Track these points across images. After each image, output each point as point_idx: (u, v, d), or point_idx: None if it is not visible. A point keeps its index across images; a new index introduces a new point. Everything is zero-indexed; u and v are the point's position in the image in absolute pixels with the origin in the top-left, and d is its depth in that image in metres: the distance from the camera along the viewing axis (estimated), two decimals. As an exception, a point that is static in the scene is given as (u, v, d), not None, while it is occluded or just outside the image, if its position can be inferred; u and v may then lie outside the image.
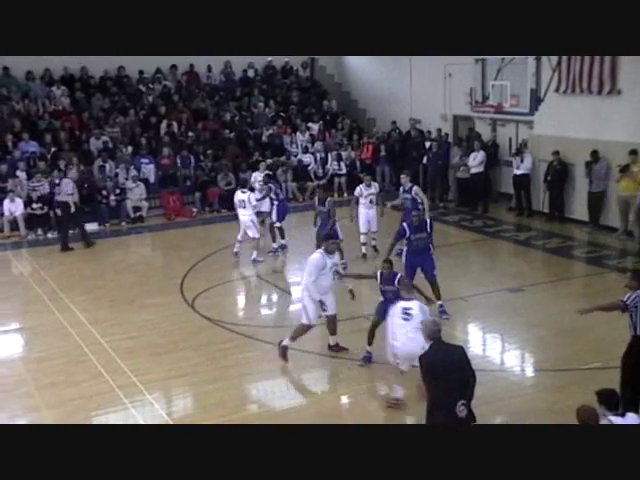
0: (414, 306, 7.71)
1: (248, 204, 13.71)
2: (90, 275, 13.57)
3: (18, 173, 17.14)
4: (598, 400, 5.50)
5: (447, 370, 5.90)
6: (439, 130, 18.66)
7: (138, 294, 12.28)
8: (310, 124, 21.05)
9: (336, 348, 9.33)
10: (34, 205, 16.60)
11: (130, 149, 18.77)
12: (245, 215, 13.71)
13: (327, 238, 9.30)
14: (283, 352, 9.11)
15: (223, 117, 20.72)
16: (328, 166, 19.79)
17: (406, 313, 7.64)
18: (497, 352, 9.76)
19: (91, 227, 16.77)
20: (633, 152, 13.57)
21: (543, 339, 9.59)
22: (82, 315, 11.08)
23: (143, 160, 18.56)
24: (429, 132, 19.11)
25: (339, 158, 19.78)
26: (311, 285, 8.90)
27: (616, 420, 5.36)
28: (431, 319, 6.42)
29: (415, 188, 13.00)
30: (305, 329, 9.10)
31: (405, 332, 7.54)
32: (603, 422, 5.35)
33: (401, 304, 7.79)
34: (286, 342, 9.13)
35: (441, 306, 10.37)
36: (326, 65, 23.61)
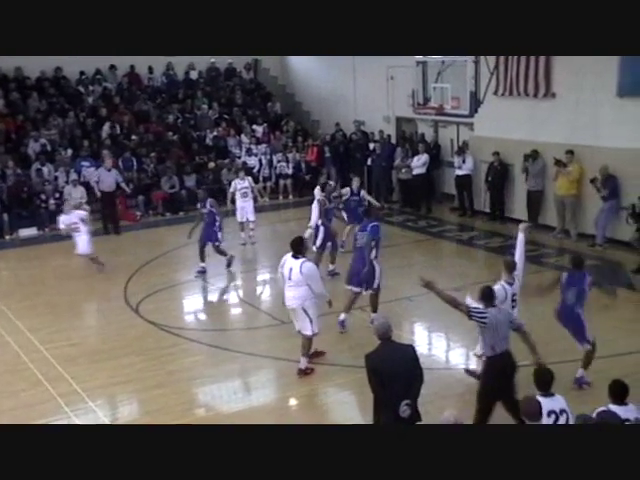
0: None
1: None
2: (29, 281, 13.21)
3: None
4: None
5: (392, 370, 5.94)
6: (381, 132, 18.86)
7: (80, 300, 12.02)
8: (254, 126, 20.98)
9: (314, 354, 9.09)
10: (-31, 210, 16.10)
11: (70, 152, 18.34)
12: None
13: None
14: (305, 373, 8.81)
15: (166, 119, 20.45)
16: (273, 167, 19.76)
17: None
18: (443, 351, 9.92)
19: (29, 232, 16.36)
20: (569, 152, 13.98)
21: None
22: (20, 322, 10.78)
23: (84, 163, 18.14)
24: (372, 134, 19.30)
25: (286, 160, 19.78)
26: (319, 294, 8.66)
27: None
28: (382, 320, 6.44)
29: (363, 192, 13.88)
30: (311, 341, 8.79)
31: None
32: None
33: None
34: (303, 364, 8.79)
35: None
36: (270, 67, 23.57)
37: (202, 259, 12.87)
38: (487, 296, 7.01)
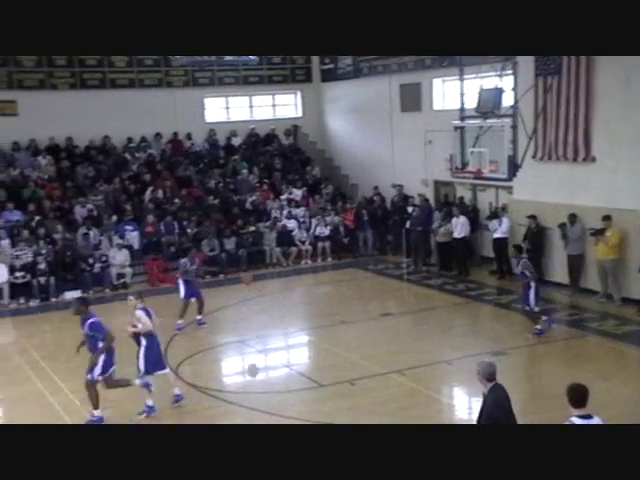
0: None
1: None
2: (72, 343, 13.26)
3: (1, 243, 17.14)
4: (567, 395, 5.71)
5: (509, 407, 6.41)
6: (420, 195, 19.03)
7: (121, 361, 12.13)
8: (294, 190, 21.37)
9: None
10: (17, 274, 16.56)
11: (115, 218, 18.88)
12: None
13: None
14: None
15: (207, 184, 21.00)
16: (312, 230, 20.02)
17: None
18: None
19: (74, 294, 16.68)
20: (606, 217, 13.88)
21: (525, 402, 9.60)
22: (64, 384, 10.95)
23: (127, 227, 18.68)
24: (411, 197, 19.48)
25: (324, 222, 20.03)
26: None
27: (578, 422, 5.54)
28: (488, 361, 6.68)
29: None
30: None
31: None
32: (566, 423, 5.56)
33: None
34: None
35: None
36: (309, 132, 24.14)
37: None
38: None
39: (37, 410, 10.05)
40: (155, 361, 9.86)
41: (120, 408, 9.96)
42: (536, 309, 12.35)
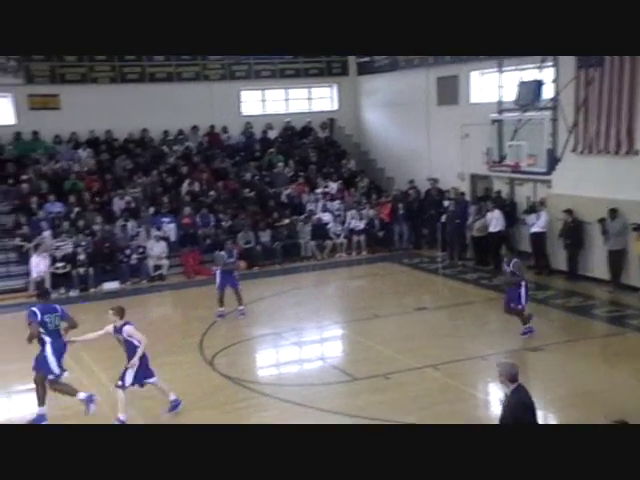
0: None
1: None
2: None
3: (44, 234, 17.47)
4: None
5: (533, 409, 6.35)
6: (455, 189, 18.85)
7: (157, 352, 12.25)
8: (329, 183, 21.35)
9: None
10: (57, 264, 16.87)
11: (152, 210, 19.11)
12: None
13: None
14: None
15: (243, 177, 21.12)
16: (347, 224, 19.99)
17: None
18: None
19: (112, 285, 16.99)
20: (648, 212, 13.60)
21: (563, 399, 9.47)
22: (103, 374, 11.12)
23: (164, 219, 18.88)
24: (447, 191, 19.31)
25: (359, 216, 19.99)
26: None
27: None
28: (510, 362, 6.69)
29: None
30: None
31: None
32: None
33: None
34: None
35: None
36: (345, 126, 24.08)
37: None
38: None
39: (76, 400, 10.21)
40: (142, 374, 9.49)
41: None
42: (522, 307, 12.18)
